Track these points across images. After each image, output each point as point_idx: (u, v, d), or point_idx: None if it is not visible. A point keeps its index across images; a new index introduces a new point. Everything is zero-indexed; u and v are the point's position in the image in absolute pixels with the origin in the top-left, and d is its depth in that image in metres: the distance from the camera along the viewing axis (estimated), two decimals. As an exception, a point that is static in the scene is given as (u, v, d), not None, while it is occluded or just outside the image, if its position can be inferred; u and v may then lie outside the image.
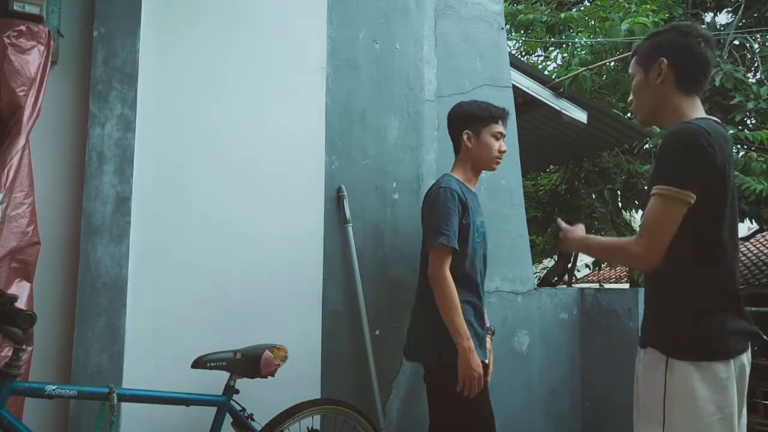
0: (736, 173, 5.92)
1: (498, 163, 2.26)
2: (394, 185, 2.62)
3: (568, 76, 6.81)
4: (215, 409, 1.82)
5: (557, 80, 5.01)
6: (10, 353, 1.52)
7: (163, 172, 2.14)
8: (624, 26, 6.94)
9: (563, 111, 4.74)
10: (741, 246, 11.00)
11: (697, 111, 1.54)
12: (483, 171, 2.30)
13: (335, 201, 2.46)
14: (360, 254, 2.44)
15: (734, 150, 6.96)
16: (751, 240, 11.77)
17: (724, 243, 1.46)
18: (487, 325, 2.34)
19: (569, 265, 8.40)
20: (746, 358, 1.48)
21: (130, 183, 2.03)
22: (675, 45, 1.55)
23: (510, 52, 3.97)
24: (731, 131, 6.34)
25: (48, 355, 1.90)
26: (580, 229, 1.72)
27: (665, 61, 1.54)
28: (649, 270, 1.50)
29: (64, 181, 1.98)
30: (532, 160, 6.98)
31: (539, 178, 8.42)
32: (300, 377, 2.24)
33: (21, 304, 1.74)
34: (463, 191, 2.14)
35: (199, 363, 1.81)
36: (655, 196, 1.43)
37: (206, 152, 2.23)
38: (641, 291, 2.90)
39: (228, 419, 1.85)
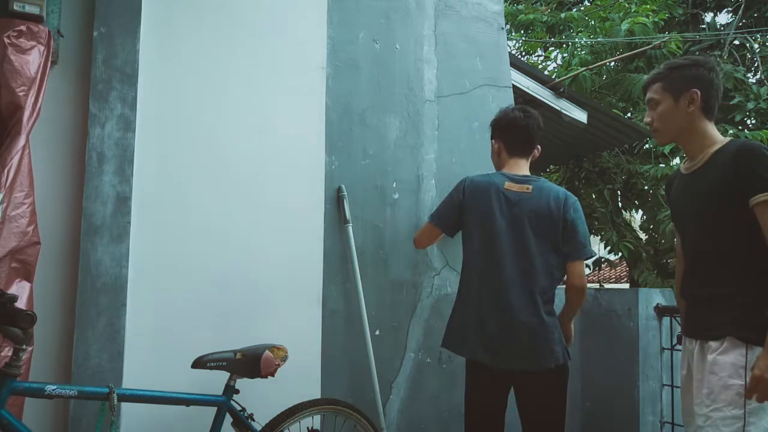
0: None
1: None
2: (394, 185, 2.62)
3: (568, 76, 6.82)
4: (215, 409, 1.82)
5: (557, 80, 5.02)
6: (10, 353, 1.52)
7: (163, 172, 2.14)
8: (624, 26, 6.95)
9: (563, 111, 4.74)
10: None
11: (718, 133, 1.80)
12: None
13: (335, 201, 2.46)
14: (360, 254, 2.44)
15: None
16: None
17: None
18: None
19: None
20: None
21: (130, 183, 2.03)
22: (704, 79, 1.78)
23: (510, 52, 3.97)
24: (731, 131, 6.35)
25: (48, 355, 1.90)
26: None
27: (699, 92, 1.76)
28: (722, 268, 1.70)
29: (64, 181, 1.98)
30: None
31: (539, 178, 8.40)
32: (300, 377, 2.24)
33: (21, 304, 1.74)
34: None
35: (199, 363, 1.81)
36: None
37: (206, 152, 2.22)
38: (641, 291, 2.90)
39: (228, 419, 1.85)
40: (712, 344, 1.66)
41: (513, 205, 2.11)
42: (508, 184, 2.15)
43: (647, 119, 1.88)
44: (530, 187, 2.15)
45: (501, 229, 2.10)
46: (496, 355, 2.07)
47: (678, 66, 1.82)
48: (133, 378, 1.98)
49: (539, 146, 2.30)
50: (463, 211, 2.22)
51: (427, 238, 2.45)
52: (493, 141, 2.34)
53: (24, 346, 1.46)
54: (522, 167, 2.24)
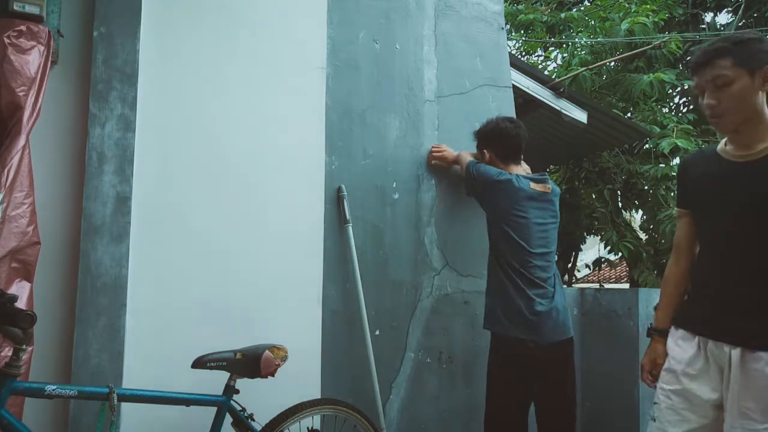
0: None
1: None
2: (394, 185, 2.62)
3: (568, 76, 6.81)
4: (215, 409, 1.82)
5: (557, 80, 5.01)
6: (10, 353, 1.52)
7: (163, 172, 2.14)
8: (624, 26, 6.94)
9: (563, 111, 4.74)
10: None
11: None
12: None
13: (335, 201, 2.46)
14: (360, 254, 2.44)
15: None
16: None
17: None
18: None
19: (569, 265, 8.41)
20: None
21: (130, 183, 2.03)
22: None
23: (510, 52, 3.97)
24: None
25: (48, 355, 1.90)
26: None
27: None
28: None
29: (64, 181, 1.98)
30: (532, 160, 6.94)
31: (539, 178, 8.39)
32: (300, 377, 2.24)
33: (21, 304, 1.74)
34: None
35: (199, 363, 1.81)
36: None
37: (206, 152, 2.23)
38: (641, 291, 2.90)
39: (228, 419, 1.85)
40: (765, 355, 1.52)
41: (541, 204, 2.32)
42: (533, 185, 2.31)
43: (711, 101, 1.60)
44: (549, 186, 2.37)
45: (534, 222, 2.29)
46: (546, 331, 2.20)
47: (745, 40, 1.58)
48: (133, 378, 1.98)
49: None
50: (496, 193, 2.32)
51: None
52: (484, 150, 2.49)
53: (24, 346, 1.46)
54: (521, 172, 2.43)
